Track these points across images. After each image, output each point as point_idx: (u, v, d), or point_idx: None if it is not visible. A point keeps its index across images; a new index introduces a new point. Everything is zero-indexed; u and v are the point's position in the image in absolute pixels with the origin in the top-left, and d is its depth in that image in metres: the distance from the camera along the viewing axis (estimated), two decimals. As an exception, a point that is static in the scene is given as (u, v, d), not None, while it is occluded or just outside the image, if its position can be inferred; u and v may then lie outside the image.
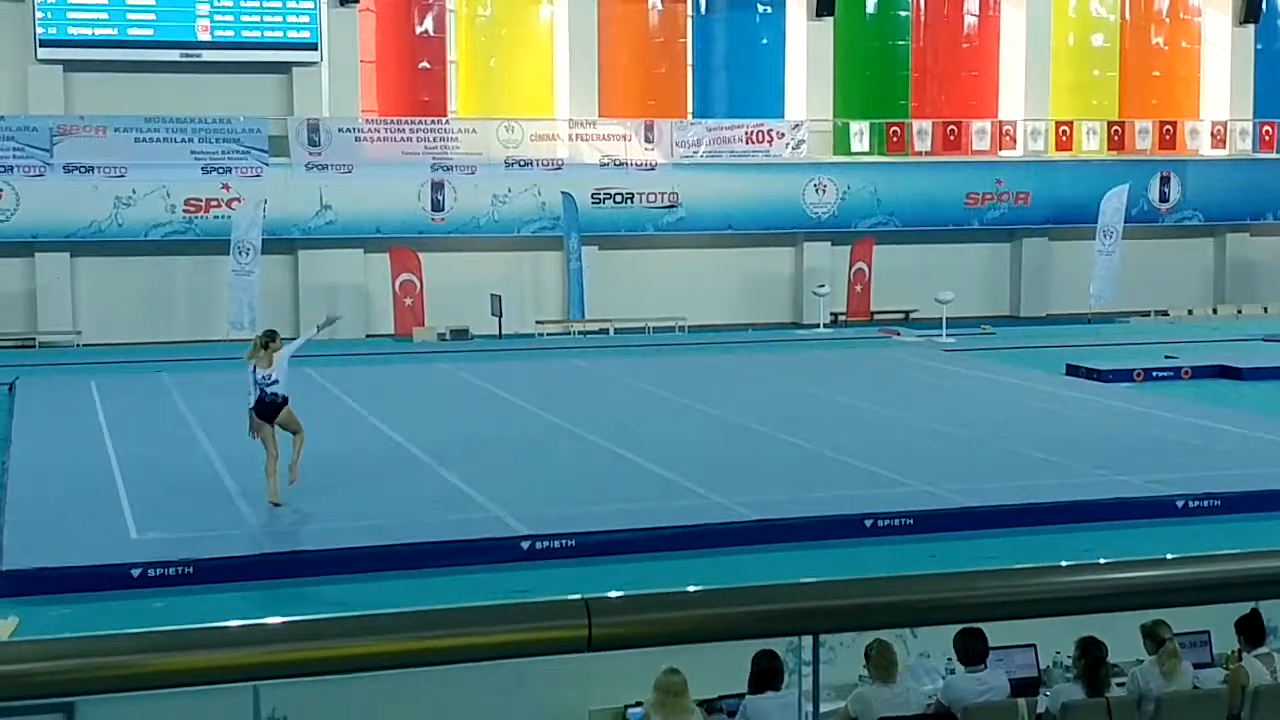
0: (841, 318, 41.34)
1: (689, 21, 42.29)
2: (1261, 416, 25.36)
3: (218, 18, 38.47)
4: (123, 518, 18.29)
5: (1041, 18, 44.14)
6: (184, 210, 37.77)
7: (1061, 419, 25.40)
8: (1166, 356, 32.22)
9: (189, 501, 19.23)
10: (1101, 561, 6.79)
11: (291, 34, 39.00)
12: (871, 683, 10.23)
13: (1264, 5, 45.37)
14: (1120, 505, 19.02)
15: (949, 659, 10.81)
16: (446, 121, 40.15)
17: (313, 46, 39.17)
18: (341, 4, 39.18)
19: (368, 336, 38.83)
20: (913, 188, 42.59)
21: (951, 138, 42.93)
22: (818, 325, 39.35)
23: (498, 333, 37.75)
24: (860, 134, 42.63)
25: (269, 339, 19.38)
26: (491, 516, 18.32)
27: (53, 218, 37.11)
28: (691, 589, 6.26)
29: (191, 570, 16.19)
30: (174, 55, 38.39)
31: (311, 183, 38.56)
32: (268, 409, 19.02)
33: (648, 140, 40.82)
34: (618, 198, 40.60)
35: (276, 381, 19.02)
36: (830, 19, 42.50)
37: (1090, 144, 44.14)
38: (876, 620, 7.20)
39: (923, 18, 43.52)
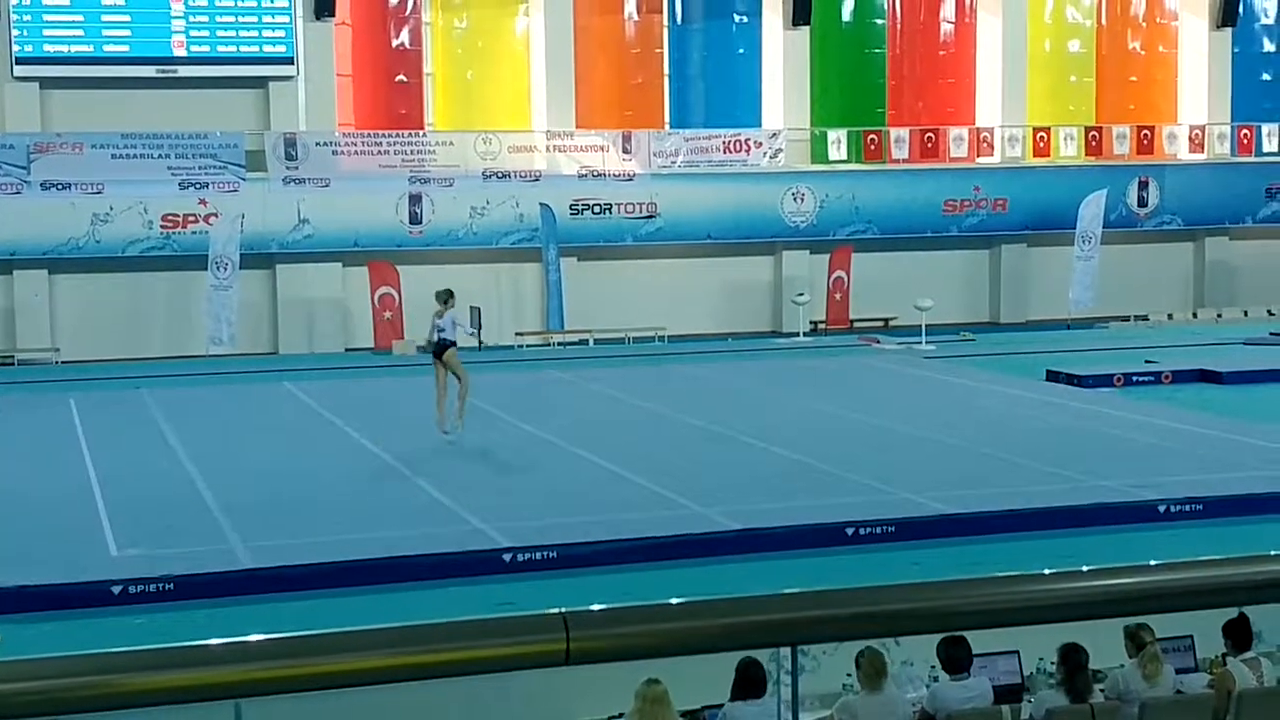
0: (821, 326, 41.38)
1: (665, 32, 42.27)
2: (1242, 420, 25.43)
3: (193, 33, 38.38)
4: (103, 535, 18.28)
5: (1017, 24, 44.17)
6: (161, 226, 37.68)
7: (1042, 425, 25.44)
8: (1147, 361, 32.27)
9: (169, 518, 19.20)
10: (1084, 569, 6.77)
11: (267, 48, 38.92)
12: (858, 691, 10.23)
13: (1241, 9, 45.45)
14: (1102, 510, 19.07)
15: (932, 666, 10.81)
16: (424, 134, 40.11)
17: (289, 61, 39.10)
18: (317, 18, 39.12)
19: (347, 350, 38.79)
20: (891, 195, 42.61)
21: (929, 145, 42.96)
22: (797, 334, 39.41)
23: (477, 345, 37.72)
24: (838, 142, 42.63)
25: (448, 296, 24.65)
26: (473, 529, 18.32)
27: (30, 235, 37.03)
28: (670, 602, 6.24)
29: (172, 587, 16.18)
30: (150, 71, 38.29)
31: (289, 197, 38.50)
32: (438, 347, 24.21)
33: (625, 151, 40.82)
34: (596, 208, 40.60)
35: (444, 330, 24.11)
36: (806, 28, 42.51)
37: (1068, 150, 44.19)
38: (858, 631, 7.18)
39: (899, 26, 43.54)
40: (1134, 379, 30.59)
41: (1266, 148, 45.59)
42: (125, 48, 38.11)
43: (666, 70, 42.37)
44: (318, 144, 38.89)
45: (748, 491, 20.19)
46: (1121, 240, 43.62)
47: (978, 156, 43.48)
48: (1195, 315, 43.75)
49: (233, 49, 38.72)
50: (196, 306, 36.96)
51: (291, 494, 20.66)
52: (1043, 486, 20.22)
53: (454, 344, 24.23)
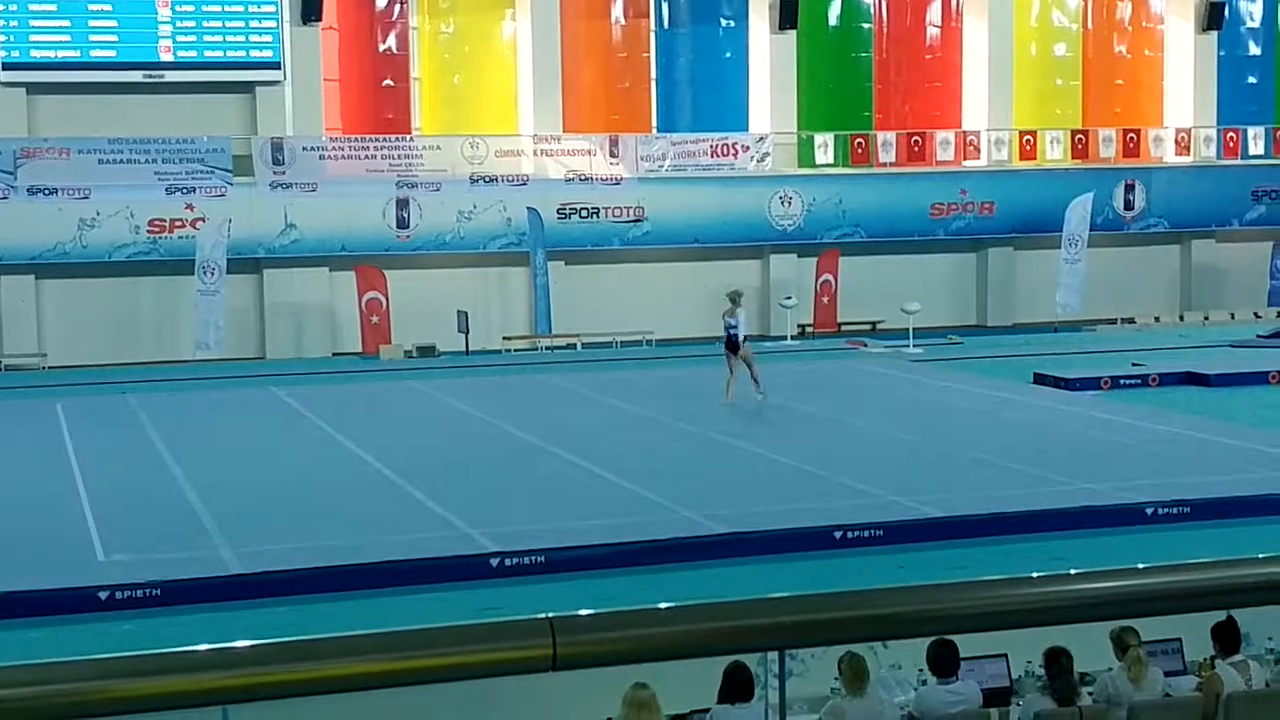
0: (808, 329, 41.35)
1: (652, 36, 42.25)
2: (1229, 423, 25.44)
3: (180, 38, 38.32)
4: (90, 540, 18.22)
5: (1003, 28, 44.19)
6: (148, 231, 37.60)
7: (1029, 428, 25.44)
8: (1134, 364, 32.29)
9: (156, 523, 19.16)
10: (1072, 572, 6.78)
11: (254, 53, 38.86)
12: (844, 695, 10.22)
13: (1226, 12, 45.51)
14: (1089, 513, 19.05)
15: (920, 670, 10.80)
16: (411, 139, 40.07)
17: (275, 65, 39.05)
18: (304, 23, 39.07)
19: (334, 355, 38.73)
20: (877, 199, 42.60)
21: (915, 149, 42.96)
22: (785, 337, 39.38)
23: (465, 349, 37.69)
24: (824, 146, 42.64)
25: (738, 297, 28.46)
26: (461, 534, 18.29)
27: (17, 240, 36.94)
28: (655, 606, 6.23)
29: (159, 592, 16.13)
30: (137, 76, 38.24)
31: (276, 202, 38.43)
32: (730, 343, 27.81)
33: (612, 155, 40.79)
34: (583, 212, 40.56)
35: (735, 326, 27.66)
36: (793, 32, 42.49)
37: (1054, 153, 44.20)
38: (846, 635, 7.18)
39: (885, 29, 43.54)
40: (1121, 382, 30.59)
41: (1252, 150, 45.63)
42: (112, 53, 38.05)
43: (653, 74, 42.34)
44: (305, 149, 38.84)
45: (735, 495, 20.18)
46: (1108, 243, 43.65)
47: (964, 160, 43.48)
48: (1182, 318, 43.79)
49: (219, 54, 38.66)
50: (183, 311, 36.86)
51: (279, 499, 20.61)
52: (1030, 489, 20.22)
53: (744, 339, 27.81)
